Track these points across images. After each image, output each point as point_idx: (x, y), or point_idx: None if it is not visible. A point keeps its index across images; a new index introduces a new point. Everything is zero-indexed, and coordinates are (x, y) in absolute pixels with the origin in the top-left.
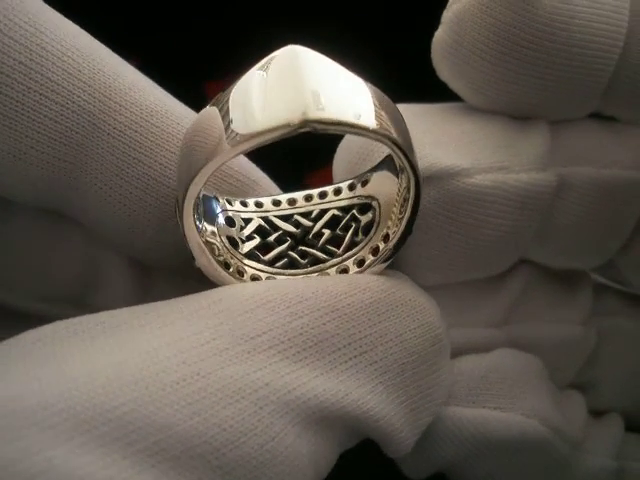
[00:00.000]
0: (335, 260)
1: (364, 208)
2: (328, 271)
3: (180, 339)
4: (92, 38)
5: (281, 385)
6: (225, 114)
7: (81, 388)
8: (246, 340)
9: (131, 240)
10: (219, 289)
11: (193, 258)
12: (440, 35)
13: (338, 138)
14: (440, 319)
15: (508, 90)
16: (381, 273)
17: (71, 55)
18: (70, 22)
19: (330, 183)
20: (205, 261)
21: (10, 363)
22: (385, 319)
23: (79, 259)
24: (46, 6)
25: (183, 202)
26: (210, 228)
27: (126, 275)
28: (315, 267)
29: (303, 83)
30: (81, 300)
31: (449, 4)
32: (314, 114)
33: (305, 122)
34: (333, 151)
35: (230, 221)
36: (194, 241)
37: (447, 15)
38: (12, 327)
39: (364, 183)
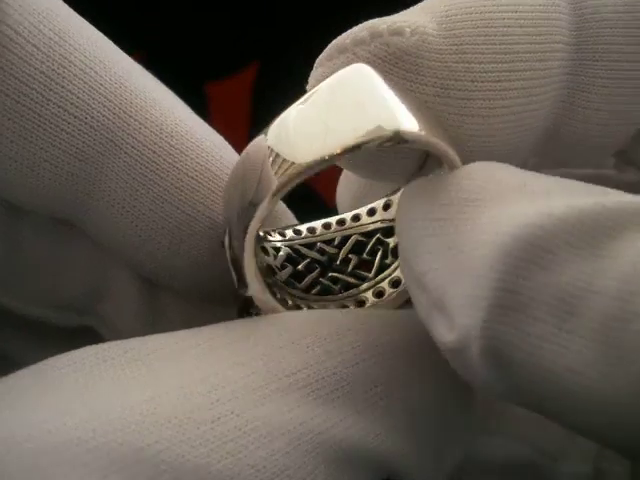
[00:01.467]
0: (369, 283)
1: (389, 231)
2: (364, 295)
3: (214, 374)
4: (117, 48)
5: (314, 425)
6: (278, 143)
7: (114, 424)
8: (280, 378)
9: (141, 261)
10: (252, 321)
11: (241, 286)
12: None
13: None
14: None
15: None
16: (408, 313)
17: (93, 67)
18: (95, 30)
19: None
20: (260, 290)
21: (39, 392)
22: (420, 358)
23: (88, 268)
24: (73, 13)
25: (244, 234)
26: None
27: (135, 285)
28: (350, 292)
29: (384, 98)
30: (89, 309)
31: (315, 66)
32: (405, 127)
33: (397, 133)
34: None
35: (265, 250)
36: (251, 271)
37: (311, 82)
38: (18, 330)
39: (386, 207)
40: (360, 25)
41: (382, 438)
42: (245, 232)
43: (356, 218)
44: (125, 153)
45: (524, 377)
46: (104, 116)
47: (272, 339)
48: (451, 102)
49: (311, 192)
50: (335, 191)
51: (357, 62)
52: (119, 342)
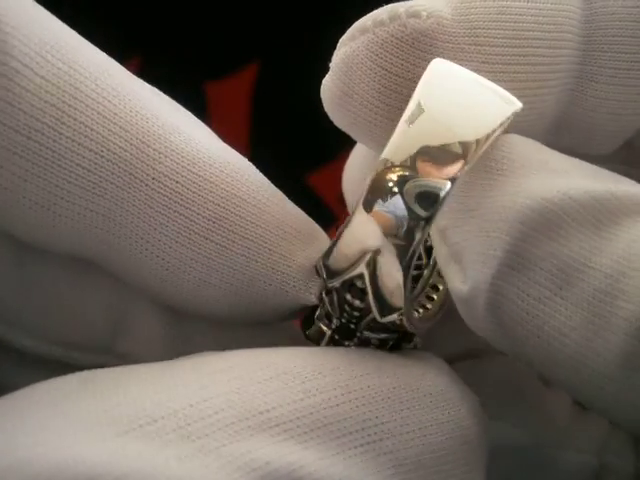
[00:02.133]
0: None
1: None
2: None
3: (189, 405)
4: (129, 74)
5: (282, 465)
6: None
7: (83, 457)
8: (254, 415)
9: (169, 294)
10: (239, 352)
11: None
12: (328, 84)
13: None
14: (475, 417)
15: None
16: (415, 356)
17: (106, 96)
18: (106, 56)
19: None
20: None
21: (18, 416)
22: (407, 407)
23: (108, 305)
24: (83, 40)
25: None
26: None
27: (157, 317)
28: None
29: (490, 85)
30: (109, 347)
31: (338, 46)
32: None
33: (517, 111)
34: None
35: None
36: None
37: (335, 60)
38: (32, 373)
39: None
40: (381, 8)
41: None
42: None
43: None
44: (146, 185)
45: (520, 333)
46: (121, 147)
47: (252, 373)
48: None
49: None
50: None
51: (377, 42)
52: (102, 370)
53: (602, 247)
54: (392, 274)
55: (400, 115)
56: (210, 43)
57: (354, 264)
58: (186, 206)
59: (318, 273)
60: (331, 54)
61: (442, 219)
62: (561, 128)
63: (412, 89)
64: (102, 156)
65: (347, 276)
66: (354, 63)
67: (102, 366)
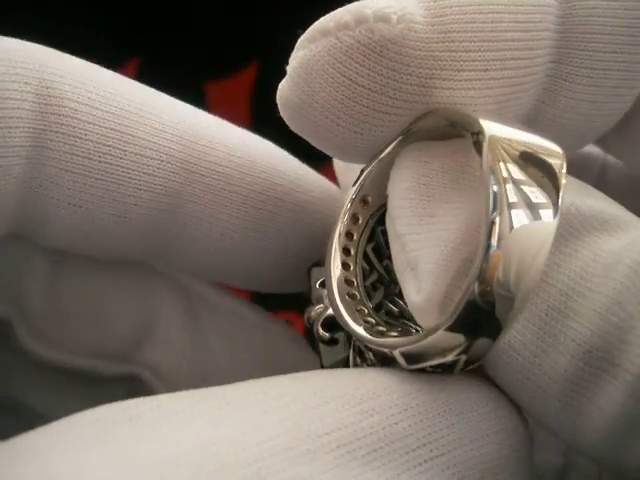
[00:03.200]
0: None
1: None
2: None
3: (242, 433)
4: (159, 93)
5: None
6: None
7: None
8: (312, 439)
9: (232, 267)
10: (286, 378)
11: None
12: (284, 90)
13: None
14: (521, 424)
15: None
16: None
17: (152, 111)
18: (144, 86)
19: None
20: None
21: (60, 446)
22: (463, 420)
23: (135, 313)
24: (117, 75)
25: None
26: None
27: (179, 325)
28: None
29: None
30: (134, 356)
31: (296, 48)
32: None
33: None
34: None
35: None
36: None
37: (293, 64)
38: (58, 389)
39: None
40: (345, 7)
41: None
42: None
43: None
44: (201, 175)
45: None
46: (175, 149)
47: (305, 398)
48: (436, 92)
49: None
50: None
51: (341, 48)
52: (147, 398)
53: (561, 262)
54: None
55: (366, 127)
56: (210, 43)
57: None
58: (239, 185)
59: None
60: None
61: (402, 225)
62: (530, 126)
63: (378, 102)
64: (162, 160)
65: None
66: (314, 69)
67: (124, 376)
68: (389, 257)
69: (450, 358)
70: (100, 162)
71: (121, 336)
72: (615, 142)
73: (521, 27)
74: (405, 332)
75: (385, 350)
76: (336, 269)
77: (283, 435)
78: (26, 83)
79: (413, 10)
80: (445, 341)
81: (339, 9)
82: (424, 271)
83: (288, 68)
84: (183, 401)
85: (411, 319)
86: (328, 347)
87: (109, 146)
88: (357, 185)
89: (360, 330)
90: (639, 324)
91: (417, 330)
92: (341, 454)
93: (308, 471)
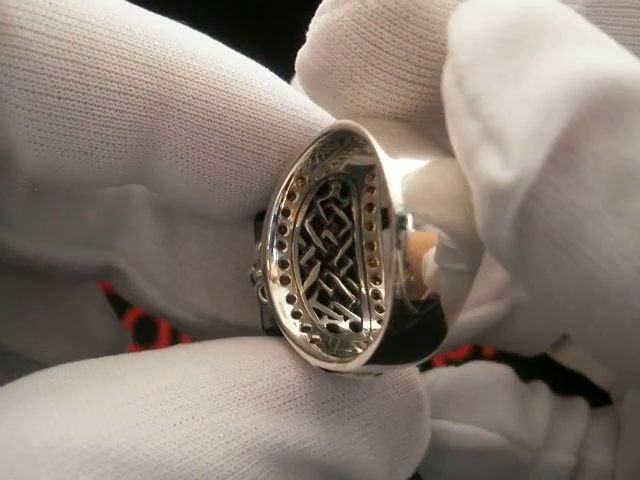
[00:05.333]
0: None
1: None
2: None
3: (179, 383)
4: (138, 9)
5: (267, 430)
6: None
7: (85, 429)
8: (238, 388)
9: (212, 206)
10: (217, 342)
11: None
12: (304, 56)
13: None
14: (419, 378)
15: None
16: None
17: (122, 38)
18: (122, 2)
19: None
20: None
21: (16, 403)
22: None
23: (109, 203)
24: None
25: None
26: None
27: (153, 215)
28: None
29: None
30: (109, 243)
31: (317, 12)
32: None
33: None
34: None
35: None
36: None
37: (313, 30)
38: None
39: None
40: None
41: (334, 446)
42: None
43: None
44: (178, 110)
45: (550, 257)
46: (147, 82)
47: (232, 354)
48: None
49: None
50: None
51: (365, 12)
52: (93, 360)
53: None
54: None
55: (387, 97)
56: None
57: None
58: (219, 122)
59: None
60: None
61: (474, 84)
62: None
63: (403, 69)
64: (130, 94)
65: None
66: (336, 35)
67: (99, 268)
68: (329, 227)
69: (363, 379)
70: (59, 99)
71: (95, 224)
72: None
73: None
74: (325, 345)
75: (310, 360)
76: (273, 249)
77: (212, 384)
78: None
79: None
80: (357, 372)
81: None
82: (516, 139)
83: (308, 34)
84: (127, 361)
85: (344, 301)
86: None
87: (69, 80)
88: (296, 164)
89: (291, 334)
90: None
91: (346, 317)
92: (262, 402)
93: (235, 415)
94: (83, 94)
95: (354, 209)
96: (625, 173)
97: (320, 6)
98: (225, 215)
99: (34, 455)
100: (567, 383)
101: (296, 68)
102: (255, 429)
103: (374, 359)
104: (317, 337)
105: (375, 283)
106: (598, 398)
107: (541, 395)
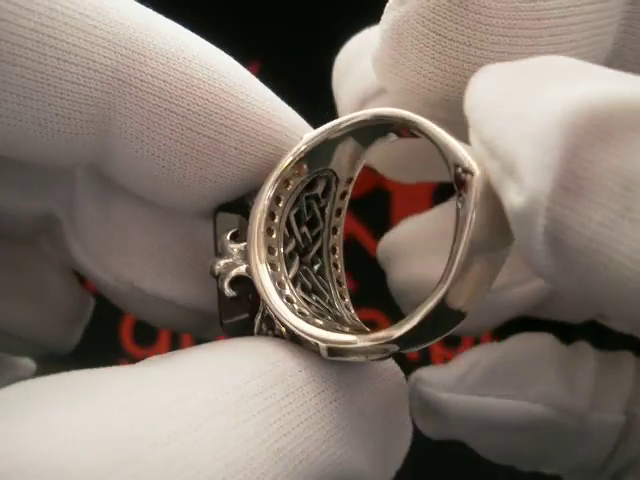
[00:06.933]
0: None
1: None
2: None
3: (167, 390)
4: None
5: (272, 432)
6: None
7: (67, 446)
8: (234, 389)
9: (167, 193)
10: (201, 347)
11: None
12: (377, 52)
13: None
14: (398, 373)
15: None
16: None
17: (83, 11)
18: None
19: None
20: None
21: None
22: (347, 369)
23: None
24: None
25: None
26: None
27: (86, 173)
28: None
29: None
30: (48, 191)
31: (386, 10)
32: None
33: None
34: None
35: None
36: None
37: (384, 27)
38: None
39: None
40: None
41: (331, 442)
42: None
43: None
44: (135, 88)
45: (584, 265)
46: (105, 57)
47: (224, 355)
48: (518, 41)
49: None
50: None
51: (428, 6)
52: (77, 372)
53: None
54: None
55: (456, 79)
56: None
57: None
58: (176, 103)
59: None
60: (331, 53)
61: (489, 131)
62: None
63: (467, 53)
64: (88, 68)
65: None
66: (404, 29)
67: (43, 214)
68: (307, 223)
69: (370, 360)
70: (15, 66)
71: (36, 171)
72: None
73: None
74: (331, 324)
75: (310, 340)
76: (261, 234)
77: (206, 389)
78: None
79: None
80: (373, 349)
81: None
82: (524, 168)
83: (379, 30)
84: (113, 374)
85: (321, 296)
86: (230, 303)
87: (26, 48)
88: (297, 150)
89: (292, 317)
90: None
91: (329, 311)
92: (260, 401)
93: (233, 420)
94: (39, 63)
95: (327, 211)
96: (631, 185)
97: (387, 5)
98: (181, 204)
99: (12, 473)
100: (613, 338)
101: (371, 61)
102: (256, 434)
103: (434, 318)
104: (318, 322)
105: (342, 285)
106: None
107: (585, 356)
